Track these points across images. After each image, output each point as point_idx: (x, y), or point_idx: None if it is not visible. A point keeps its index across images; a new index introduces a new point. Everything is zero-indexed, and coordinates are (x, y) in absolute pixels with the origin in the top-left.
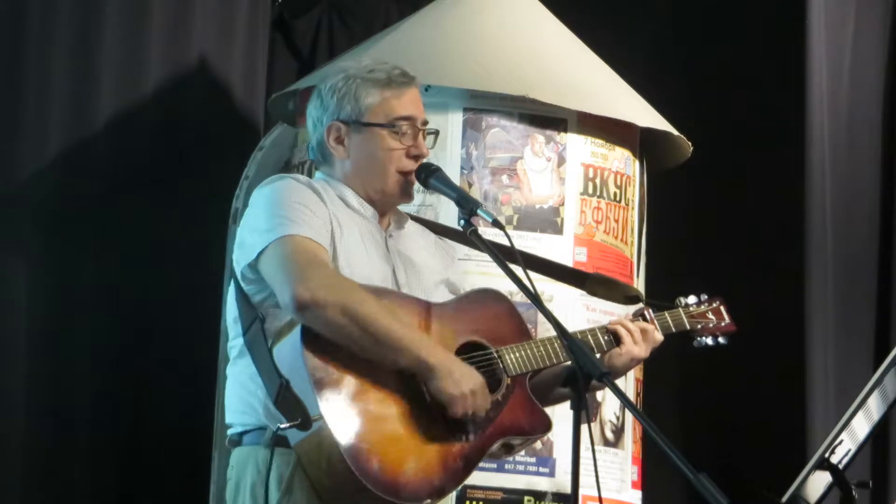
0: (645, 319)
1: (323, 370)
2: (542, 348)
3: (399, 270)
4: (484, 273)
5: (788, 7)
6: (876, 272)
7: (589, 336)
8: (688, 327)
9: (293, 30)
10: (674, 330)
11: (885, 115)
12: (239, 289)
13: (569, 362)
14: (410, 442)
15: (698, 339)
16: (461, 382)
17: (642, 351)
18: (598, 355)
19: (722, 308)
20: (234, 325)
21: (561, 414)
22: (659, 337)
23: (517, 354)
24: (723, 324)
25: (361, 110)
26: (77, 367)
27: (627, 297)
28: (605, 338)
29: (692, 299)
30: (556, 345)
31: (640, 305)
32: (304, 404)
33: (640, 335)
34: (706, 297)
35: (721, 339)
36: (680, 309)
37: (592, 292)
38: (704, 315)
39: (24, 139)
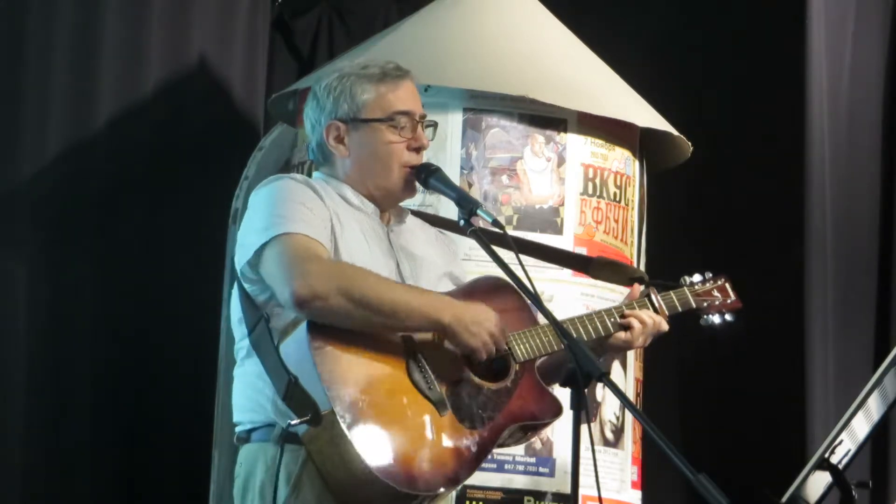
0: (651, 300)
1: (331, 364)
2: (549, 334)
3: (403, 264)
4: (484, 273)
5: (788, 7)
6: (876, 272)
7: (596, 320)
8: (694, 306)
9: (293, 30)
10: (680, 309)
11: (885, 115)
12: (242, 290)
13: None
14: (422, 432)
15: (705, 317)
16: (478, 333)
17: (642, 343)
18: (602, 334)
19: (727, 285)
20: (238, 326)
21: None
22: (664, 327)
23: (525, 340)
24: (729, 301)
25: (358, 107)
26: (77, 368)
27: (632, 278)
28: (611, 320)
29: (697, 277)
30: None
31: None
32: (313, 399)
33: (653, 328)
34: (711, 274)
35: (728, 317)
36: (685, 288)
37: (596, 276)
38: (710, 293)
39: (24, 139)
